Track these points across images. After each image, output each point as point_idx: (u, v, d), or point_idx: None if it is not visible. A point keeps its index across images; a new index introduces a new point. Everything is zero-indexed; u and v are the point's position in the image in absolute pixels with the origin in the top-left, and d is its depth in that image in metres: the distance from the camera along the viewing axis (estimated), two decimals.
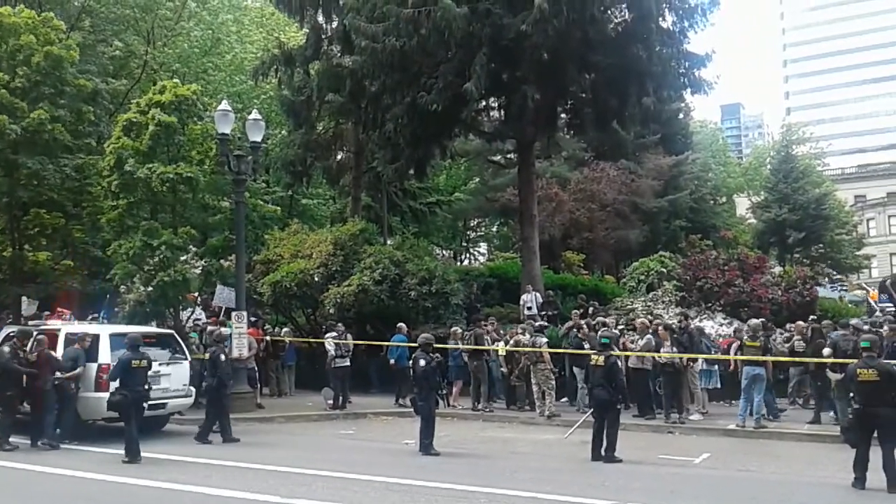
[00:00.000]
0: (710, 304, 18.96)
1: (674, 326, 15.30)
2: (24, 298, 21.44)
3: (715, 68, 71.60)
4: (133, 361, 11.55)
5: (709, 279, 19.26)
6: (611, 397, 11.31)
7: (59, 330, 13.87)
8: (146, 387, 11.69)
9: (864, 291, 40.32)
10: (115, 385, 11.80)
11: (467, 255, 47.27)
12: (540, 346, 15.25)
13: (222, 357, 13.36)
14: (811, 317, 16.97)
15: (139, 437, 11.23)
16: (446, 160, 30.53)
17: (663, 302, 19.72)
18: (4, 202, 21.25)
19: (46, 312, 20.97)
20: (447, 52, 19.06)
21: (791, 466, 11.01)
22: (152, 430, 13.53)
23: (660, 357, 14.57)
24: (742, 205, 58.52)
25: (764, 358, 13.97)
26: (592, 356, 11.63)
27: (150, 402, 12.48)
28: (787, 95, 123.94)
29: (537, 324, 16.35)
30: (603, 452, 11.15)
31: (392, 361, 17.43)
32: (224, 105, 17.36)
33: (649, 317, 17.30)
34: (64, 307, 21.91)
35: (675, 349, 14.50)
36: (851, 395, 9.65)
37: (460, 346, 16.65)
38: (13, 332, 14.01)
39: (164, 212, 19.08)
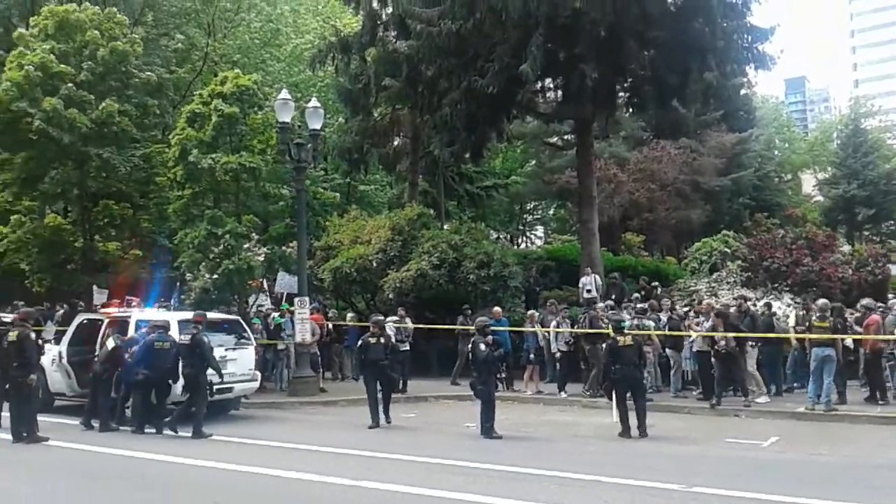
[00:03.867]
0: (776, 285, 18.48)
1: (730, 310, 15.03)
2: (94, 287, 22.21)
3: (779, 42, 69.71)
4: (156, 343, 12.34)
5: (776, 259, 18.74)
6: (642, 375, 12.25)
7: (129, 317, 14.30)
8: (168, 366, 12.35)
9: None
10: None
11: (524, 239, 47.11)
12: (646, 329, 15.05)
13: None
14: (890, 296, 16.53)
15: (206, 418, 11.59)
16: (503, 143, 30.37)
17: (728, 283, 19.30)
18: (76, 194, 22.03)
19: (115, 300, 21.66)
20: (503, 33, 18.90)
21: (864, 450, 10.68)
22: (220, 414, 13.92)
23: (716, 341, 14.31)
24: (808, 182, 56.83)
25: (832, 336, 13.50)
26: (619, 338, 11.95)
27: (217, 387, 12.91)
28: (854, 67, 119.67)
29: (639, 306, 16.16)
30: (637, 428, 11.55)
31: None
32: (284, 94, 17.59)
33: (714, 298, 16.95)
34: (133, 295, 22.62)
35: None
36: None
37: (533, 329, 16.68)
38: (86, 319, 14.59)
39: (227, 201, 19.52)
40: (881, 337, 13.61)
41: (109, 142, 21.05)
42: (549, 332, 16.51)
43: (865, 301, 15.09)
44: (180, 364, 12.34)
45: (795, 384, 15.41)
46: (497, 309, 17.33)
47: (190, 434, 11.91)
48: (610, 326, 12.84)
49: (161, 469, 9.81)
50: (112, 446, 11.17)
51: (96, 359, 13.18)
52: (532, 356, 16.71)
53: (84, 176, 21.53)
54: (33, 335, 12.10)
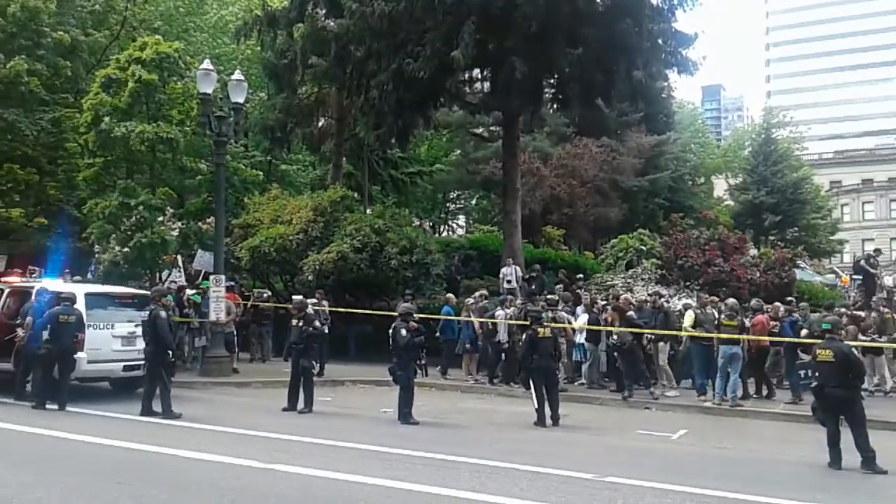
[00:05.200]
0: (689, 283, 19.06)
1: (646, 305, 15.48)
2: None
3: (700, 49, 71.90)
4: (61, 316, 11.88)
5: (689, 258, 19.33)
6: (555, 365, 12.68)
7: (32, 287, 13.59)
8: (73, 340, 11.98)
9: (835, 275, 40.85)
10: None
11: (446, 227, 47.20)
12: (562, 321, 15.27)
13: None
14: (788, 298, 17.18)
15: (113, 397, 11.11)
16: (429, 130, 30.28)
17: (643, 279, 19.80)
18: None
19: (17, 270, 20.55)
20: (435, 19, 18.79)
21: (767, 445, 11.09)
22: (127, 391, 13.43)
23: (612, 337, 14.80)
24: (720, 186, 58.90)
25: (740, 336, 14.04)
26: (539, 330, 12.22)
27: (125, 364, 12.49)
28: (767, 79, 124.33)
29: (548, 297, 16.30)
30: (550, 419, 11.81)
31: (438, 334, 16.85)
32: (207, 64, 16.99)
33: (630, 294, 17.33)
34: (34, 265, 21.51)
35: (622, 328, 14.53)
36: (814, 374, 9.91)
37: (471, 318, 16.58)
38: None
39: (142, 172, 18.77)
40: (795, 340, 14.10)
41: (16, 103, 19.92)
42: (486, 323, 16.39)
43: (752, 302, 15.73)
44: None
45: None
46: (450, 295, 17.29)
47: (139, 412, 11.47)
48: (529, 318, 12.99)
49: (62, 446, 9.37)
50: (10, 422, 10.58)
51: None
52: (468, 345, 16.60)
53: None
54: None
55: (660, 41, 20.48)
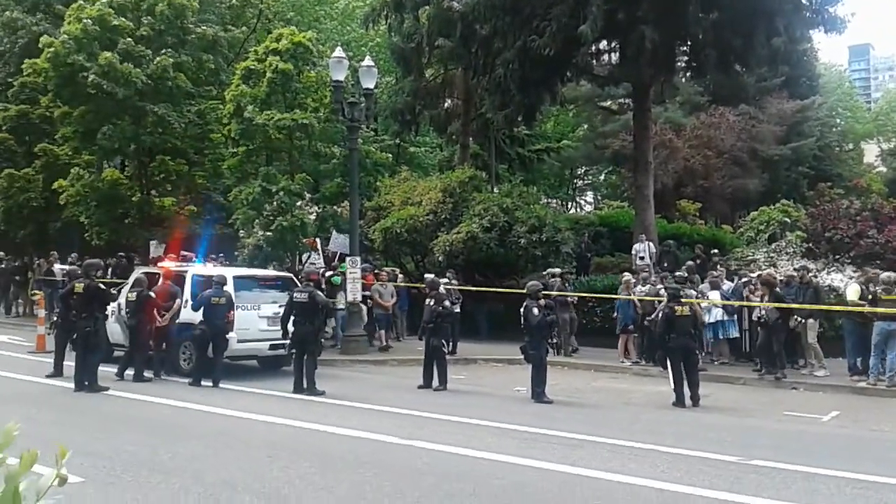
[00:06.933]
0: (838, 257, 17.89)
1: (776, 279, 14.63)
2: (151, 242, 22.60)
3: (848, 5, 66.99)
4: (213, 298, 12.64)
5: (839, 230, 18.13)
6: (694, 344, 12.13)
7: (185, 272, 14.50)
8: (224, 321, 12.71)
9: None
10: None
11: (574, 204, 46.59)
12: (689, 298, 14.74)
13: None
14: None
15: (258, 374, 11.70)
16: (556, 106, 29.84)
17: (787, 253, 18.75)
18: (132, 149, 22.32)
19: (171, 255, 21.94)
20: None
21: None
22: (273, 369, 14.13)
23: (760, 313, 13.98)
24: (871, 152, 54.92)
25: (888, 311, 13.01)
26: (677, 307, 11.75)
27: (271, 343, 13.15)
28: None
29: (677, 274, 15.74)
30: (689, 398, 11.42)
31: (615, 314, 16.52)
32: (339, 52, 17.43)
33: (773, 269, 16.49)
34: (188, 250, 22.93)
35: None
36: None
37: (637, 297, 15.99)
38: (144, 272, 14.84)
39: (280, 159, 19.56)
40: None
41: (165, 97, 21.22)
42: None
43: (886, 274, 14.42)
44: (292, 321, 12.38)
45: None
46: (625, 274, 16.91)
47: (304, 390, 12.00)
48: (667, 295, 12.62)
49: (216, 422, 9.98)
50: (168, 397, 11.39)
51: (127, 312, 13.42)
52: (630, 326, 15.88)
53: (140, 131, 21.79)
54: (102, 286, 12.44)
55: (803, 0, 19.24)
